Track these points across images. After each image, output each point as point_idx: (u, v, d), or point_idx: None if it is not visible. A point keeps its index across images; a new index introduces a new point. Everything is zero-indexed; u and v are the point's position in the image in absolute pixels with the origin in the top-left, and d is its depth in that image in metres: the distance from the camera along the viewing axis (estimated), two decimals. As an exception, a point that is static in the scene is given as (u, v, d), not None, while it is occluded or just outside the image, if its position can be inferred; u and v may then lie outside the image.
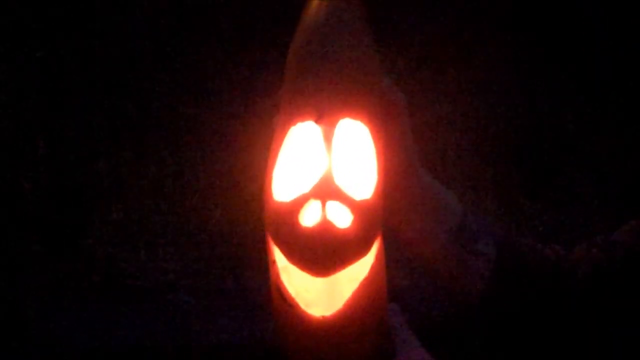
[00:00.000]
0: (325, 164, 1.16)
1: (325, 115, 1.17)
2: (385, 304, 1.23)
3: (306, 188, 1.16)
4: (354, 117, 1.18)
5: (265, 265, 1.21)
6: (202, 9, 4.69)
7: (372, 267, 1.18)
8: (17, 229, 4.45)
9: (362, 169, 1.20)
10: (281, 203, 1.17)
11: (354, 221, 1.15)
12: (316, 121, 1.17)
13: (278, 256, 1.17)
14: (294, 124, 1.18)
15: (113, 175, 4.54)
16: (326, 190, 1.15)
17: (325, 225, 1.14)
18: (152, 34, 4.60)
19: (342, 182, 1.17)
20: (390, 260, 1.26)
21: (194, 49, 4.68)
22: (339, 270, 1.15)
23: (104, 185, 4.54)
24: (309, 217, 1.15)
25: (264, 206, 1.18)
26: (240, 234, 4.53)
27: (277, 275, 1.18)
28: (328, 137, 1.17)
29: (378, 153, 1.21)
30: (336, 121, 1.18)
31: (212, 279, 4.48)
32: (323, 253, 1.14)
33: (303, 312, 1.17)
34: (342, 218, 1.15)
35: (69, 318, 4.30)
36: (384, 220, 1.21)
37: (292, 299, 1.17)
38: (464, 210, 1.40)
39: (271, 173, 1.18)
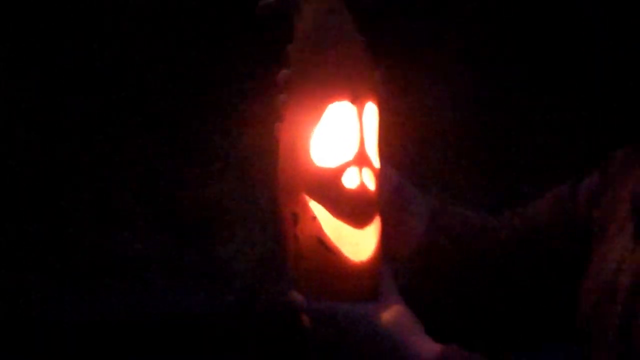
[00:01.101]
0: (359, 137, 1.41)
1: (359, 97, 1.40)
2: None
3: (348, 157, 1.40)
4: (373, 101, 1.43)
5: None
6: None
7: (382, 222, 1.45)
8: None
9: (375, 142, 1.44)
10: (325, 169, 1.39)
11: (375, 185, 1.42)
12: (352, 102, 1.40)
13: (321, 213, 1.39)
14: (332, 103, 1.39)
15: (87, 156, 4.65)
16: (362, 159, 1.41)
17: (362, 188, 1.40)
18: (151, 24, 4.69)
19: (370, 153, 1.42)
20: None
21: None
22: (371, 223, 1.42)
23: (79, 166, 4.65)
24: (349, 181, 1.39)
25: (302, 172, 1.40)
26: (211, 208, 4.64)
27: (319, 229, 1.39)
28: (360, 116, 1.41)
29: (380, 130, 1.45)
30: (365, 102, 1.42)
31: (184, 253, 4.60)
32: (362, 210, 1.40)
33: (346, 258, 1.40)
34: (370, 182, 1.41)
35: (54, 295, 4.43)
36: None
37: (336, 248, 1.39)
38: (400, 178, 1.61)
39: (308, 144, 1.39)
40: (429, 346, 1.41)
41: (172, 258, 4.59)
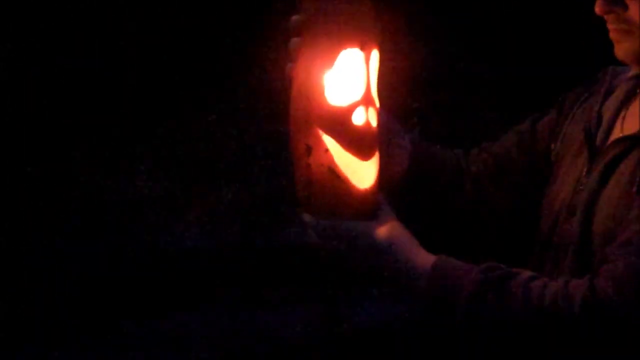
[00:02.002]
0: (366, 80, 1.56)
1: (367, 44, 1.55)
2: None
3: (356, 97, 1.55)
4: (377, 48, 1.58)
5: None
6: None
7: (380, 152, 1.61)
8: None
9: (376, 85, 1.60)
10: (337, 107, 1.55)
11: (377, 122, 1.58)
12: (361, 48, 1.54)
13: (332, 145, 1.55)
14: (344, 49, 1.54)
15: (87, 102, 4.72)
16: (368, 100, 1.56)
17: (368, 125, 1.56)
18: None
19: (374, 94, 1.59)
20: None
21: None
22: (374, 156, 1.58)
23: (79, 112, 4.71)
24: (357, 118, 1.55)
25: (317, 109, 1.54)
26: (210, 152, 4.76)
27: (331, 160, 1.55)
28: (367, 61, 1.56)
29: (379, 74, 1.61)
30: (372, 49, 1.57)
31: (183, 192, 4.73)
32: (367, 144, 1.57)
33: (353, 186, 1.57)
34: (374, 119, 1.58)
35: (51, 235, 4.54)
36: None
37: (345, 176, 1.56)
38: (388, 114, 1.78)
39: (322, 84, 1.54)
40: (423, 256, 1.55)
41: (173, 199, 4.71)
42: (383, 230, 1.56)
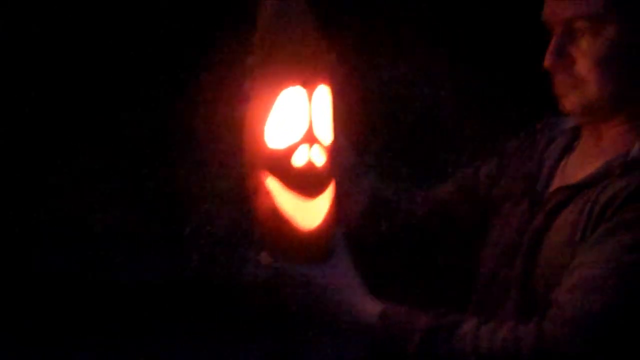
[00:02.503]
0: (309, 118, 1.54)
1: (309, 81, 1.54)
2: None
3: (297, 137, 1.54)
4: (325, 83, 1.57)
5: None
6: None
7: (333, 192, 1.61)
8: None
9: (327, 121, 1.59)
10: (277, 149, 1.54)
11: (326, 160, 1.57)
12: (302, 85, 1.54)
13: (275, 187, 1.55)
14: (285, 88, 1.53)
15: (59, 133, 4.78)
16: (310, 138, 1.55)
17: (310, 164, 1.55)
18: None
19: (319, 132, 1.56)
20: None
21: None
22: (319, 195, 1.57)
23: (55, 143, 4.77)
24: (298, 159, 1.55)
25: (258, 152, 1.54)
26: (175, 183, 4.81)
27: (273, 202, 1.55)
28: (310, 98, 1.54)
29: (334, 109, 1.60)
30: (316, 86, 1.55)
31: (145, 226, 4.78)
32: (311, 183, 1.56)
33: (297, 226, 1.56)
34: (319, 158, 1.56)
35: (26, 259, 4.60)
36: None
37: (288, 217, 1.56)
38: (355, 156, 1.85)
39: (263, 126, 1.54)
40: (371, 305, 1.57)
41: (136, 232, 4.76)
42: (333, 278, 1.58)
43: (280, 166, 1.56)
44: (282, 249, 1.60)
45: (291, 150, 1.56)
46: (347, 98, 1.75)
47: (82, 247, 4.69)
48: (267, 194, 1.57)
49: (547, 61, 1.62)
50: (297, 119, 1.56)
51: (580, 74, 1.59)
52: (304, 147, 1.56)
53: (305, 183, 1.57)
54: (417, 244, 1.89)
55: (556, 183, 1.69)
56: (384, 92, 4.96)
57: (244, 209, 1.67)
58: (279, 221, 1.58)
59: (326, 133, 1.59)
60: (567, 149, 1.72)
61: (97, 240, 4.72)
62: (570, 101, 1.62)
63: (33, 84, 4.72)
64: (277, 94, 1.54)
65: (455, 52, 4.90)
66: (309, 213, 1.58)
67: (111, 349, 4.38)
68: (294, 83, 1.55)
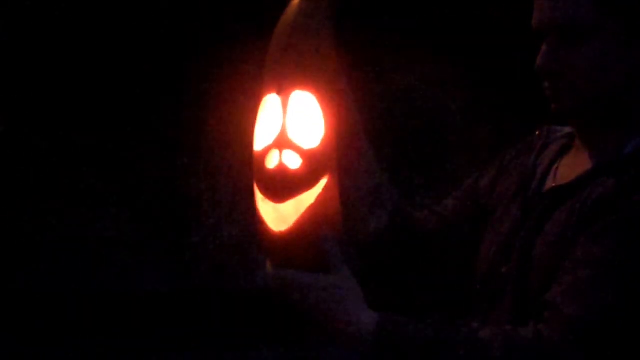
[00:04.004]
0: (282, 123, 1.58)
1: (285, 88, 1.58)
2: (329, 228, 1.61)
3: (269, 141, 1.59)
4: (304, 89, 1.59)
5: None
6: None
7: (318, 197, 1.59)
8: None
9: (312, 126, 1.60)
10: (256, 152, 1.60)
11: (302, 164, 1.58)
12: (277, 93, 1.59)
13: (256, 190, 1.61)
14: (265, 95, 1.61)
15: (62, 145, 4.79)
16: (283, 142, 1.58)
17: (280, 167, 1.58)
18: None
19: (295, 136, 1.58)
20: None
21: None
22: (291, 198, 1.58)
23: (52, 153, 4.78)
24: (270, 162, 1.58)
25: (248, 156, 1.60)
26: (181, 192, 4.83)
27: (256, 204, 1.61)
28: (285, 104, 1.59)
29: (326, 116, 1.60)
30: (290, 92, 1.59)
31: (153, 235, 4.79)
32: (280, 186, 1.58)
33: (268, 227, 1.60)
34: (293, 162, 1.58)
35: (21, 269, 4.62)
36: (332, 163, 1.61)
37: (263, 219, 1.61)
38: (381, 180, 1.87)
39: (250, 132, 1.61)
40: (366, 315, 1.56)
41: (144, 243, 4.77)
42: (329, 286, 1.58)
43: (257, 169, 1.61)
44: (265, 251, 1.63)
45: (264, 153, 1.60)
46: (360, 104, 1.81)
47: (90, 255, 4.71)
48: (254, 195, 1.63)
49: (539, 65, 1.64)
50: (271, 124, 1.61)
51: (574, 79, 1.62)
52: (276, 151, 1.59)
53: (275, 186, 1.59)
54: (427, 260, 1.91)
55: (548, 185, 1.72)
56: (390, 100, 4.96)
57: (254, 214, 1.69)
58: (258, 223, 1.63)
59: (305, 138, 1.60)
60: (561, 153, 1.76)
61: (105, 249, 4.73)
62: (563, 105, 1.65)
63: (35, 90, 4.73)
64: (259, 102, 1.62)
65: (458, 61, 4.92)
66: (279, 216, 1.60)
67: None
68: (270, 91, 1.61)
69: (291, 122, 1.59)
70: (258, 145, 1.62)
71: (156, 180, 4.83)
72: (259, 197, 1.62)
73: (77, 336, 4.42)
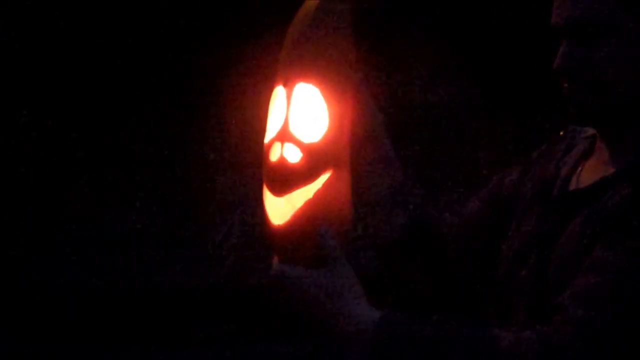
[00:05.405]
0: (285, 116, 1.57)
1: (290, 80, 1.57)
2: (330, 225, 1.58)
3: (272, 133, 1.59)
4: (308, 82, 1.57)
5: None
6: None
7: (317, 193, 1.57)
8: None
9: (315, 120, 1.58)
10: (265, 144, 1.60)
11: (302, 158, 1.56)
12: (283, 85, 1.59)
13: (264, 182, 1.60)
14: (275, 87, 1.60)
15: (88, 140, 4.81)
16: (285, 135, 1.57)
17: (280, 161, 1.57)
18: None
19: (296, 129, 1.57)
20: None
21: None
22: (289, 192, 1.57)
23: (80, 149, 4.81)
24: (274, 154, 1.58)
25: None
26: (206, 188, 4.84)
27: (263, 196, 1.60)
28: (289, 97, 1.58)
29: (331, 110, 1.58)
30: (293, 85, 1.57)
31: (174, 230, 4.79)
32: (280, 179, 1.57)
33: (269, 220, 1.60)
34: (293, 155, 1.56)
35: (47, 264, 4.62)
36: (335, 159, 1.59)
37: (265, 211, 1.60)
38: (403, 179, 1.85)
39: (266, 126, 1.60)
40: (365, 312, 1.54)
41: (168, 238, 4.78)
42: (327, 284, 1.56)
43: (262, 160, 1.61)
44: (269, 246, 1.62)
45: (268, 146, 1.60)
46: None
47: (113, 252, 4.73)
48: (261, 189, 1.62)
49: (558, 65, 1.61)
50: (275, 116, 1.60)
51: (593, 79, 1.58)
52: (278, 144, 1.58)
53: (275, 179, 1.58)
54: (446, 262, 1.88)
55: (571, 187, 1.69)
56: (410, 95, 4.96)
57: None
58: (262, 215, 1.62)
59: (306, 131, 1.58)
60: (585, 156, 1.72)
61: (128, 245, 4.76)
62: (582, 106, 1.61)
63: (47, 88, 4.77)
64: (270, 94, 1.61)
65: (482, 58, 4.91)
66: (278, 209, 1.59)
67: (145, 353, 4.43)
68: (278, 83, 1.60)
69: (293, 115, 1.58)
70: (266, 137, 1.61)
71: (181, 174, 4.85)
72: (265, 189, 1.61)
73: (101, 332, 4.44)
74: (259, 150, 1.63)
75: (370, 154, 1.79)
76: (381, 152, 1.80)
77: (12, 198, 4.71)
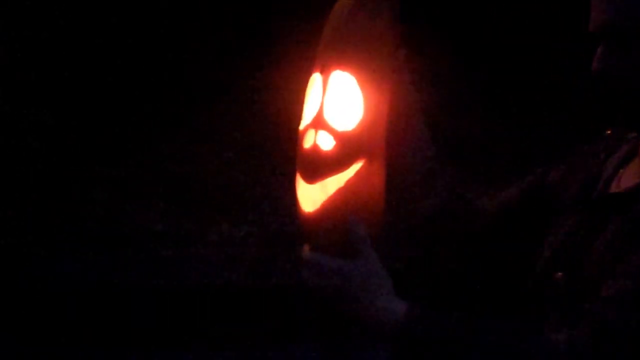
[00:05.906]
0: (320, 103, 1.57)
1: (327, 67, 1.57)
2: (361, 214, 1.57)
3: (308, 120, 1.59)
4: (344, 70, 1.56)
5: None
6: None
7: (349, 181, 1.56)
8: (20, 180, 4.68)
9: (350, 108, 1.56)
10: (300, 131, 1.60)
11: (335, 146, 1.55)
12: (320, 72, 1.58)
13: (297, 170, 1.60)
14: (313, 74, 1.60)
15: (110, 138, 4.79)
16: (319, 123, 1.56)
17: (314, 148, 1.56)
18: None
19: (331, 117, 1.56)
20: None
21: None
22: (321, 180, 1.56)
23: (102, 147, 4.79)
24: (307, 141, 1.57)
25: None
26: (228, 186, 4.83)
27: (296, 183, 1.60)
28: (325, 84, 1.57)
29: (366, 99, 1.56)
30: (330, 72, 1.57)
31: (196, 230, 4.77)
32: (312, 167, 1.57)
33: (300, 207, 1.59)
34: (326, 143, 1.56)
35: (67, 263, 4.61)
36: (369, 148, 1.58)
37: (297, 199, 1.60)
38: (436, 163, 1.81)
39: (302, 112, 1.60)
40: (393, 304, 1.53)
41: (190, 236, 4.79)
42: (357, 275, 1.55)
43: (296, 146, 1.60)
44: (300, 233, 1.62)
45: (303, 132, 1.60)
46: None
47: (113, 251, 4.71)
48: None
49: (595, 69, 1.60)
50: (311, 103, 1.60)
51: (630, 83, 1.58)
52: (312, 131, 1.58)
53: (307, 166, 1.58)
54: (479, 244, 1.88)
55: (612, 190, 1.69)
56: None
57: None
58: (294, 202, 1.62)
59: (340, 119, 1.57)
60: (628, 158, 1.71)
61: (129, 245, 4.75)
62: (620, 110, 1.61)
63: (49, 88, 4.79)
64: (308, 79, 1.62)
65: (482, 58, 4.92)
66: (309, 196, 1.58)
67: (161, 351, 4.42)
68: (316, 70, 1.60)
69: (329, 103, 1.57)
70: (302, 124, 1.61)
71: (204, 174, 4.85)
72: (297, 177, 1.61)
73: (101, 332, 4.42)
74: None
75: (406, 137, 1.77)
76: (416, 135, 1.78)
77: (13, 197, 4.72)
